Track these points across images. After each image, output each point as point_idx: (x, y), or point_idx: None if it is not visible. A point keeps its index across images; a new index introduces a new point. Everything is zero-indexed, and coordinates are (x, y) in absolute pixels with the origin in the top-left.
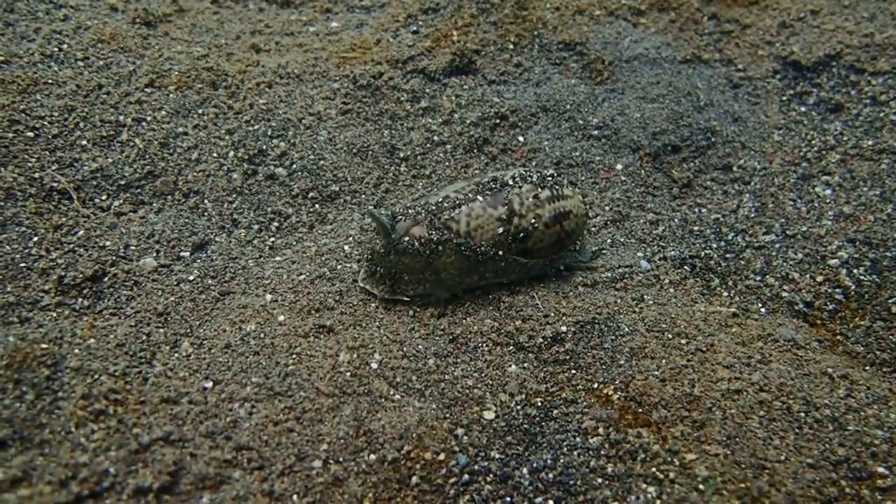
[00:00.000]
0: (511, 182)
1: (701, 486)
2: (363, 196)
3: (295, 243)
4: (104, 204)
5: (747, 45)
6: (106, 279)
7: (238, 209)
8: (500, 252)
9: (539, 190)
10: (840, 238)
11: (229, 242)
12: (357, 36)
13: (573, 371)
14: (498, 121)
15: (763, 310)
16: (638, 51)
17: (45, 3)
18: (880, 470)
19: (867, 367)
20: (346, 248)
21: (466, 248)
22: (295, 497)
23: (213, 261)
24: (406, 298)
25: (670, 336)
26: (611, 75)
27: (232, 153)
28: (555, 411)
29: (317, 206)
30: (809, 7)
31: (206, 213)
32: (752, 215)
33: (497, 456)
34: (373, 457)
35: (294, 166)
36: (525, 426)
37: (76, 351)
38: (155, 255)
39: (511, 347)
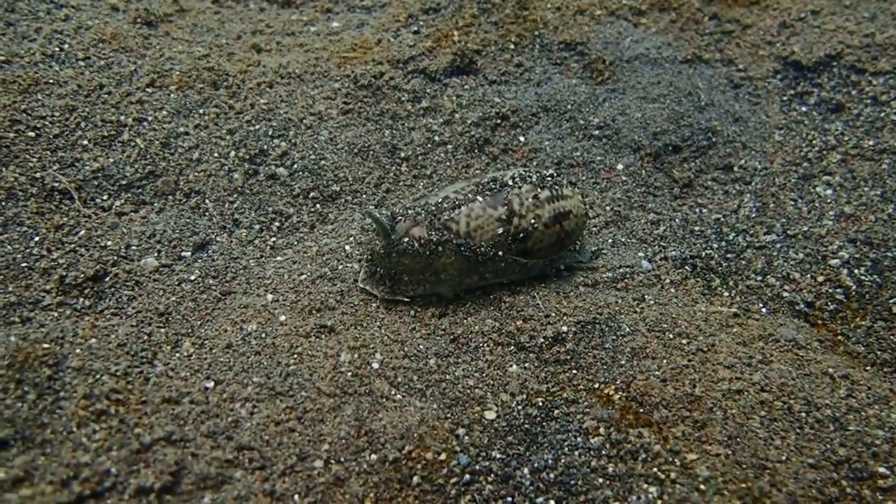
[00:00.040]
0: (511, 182)
1: (702, 487)
2: (364, 196)
3: (296, 243)
4: (105, 204)
5: (748, 45)
6: (107, 279)
7: (239, 209)
8: (500, 252)
9: (539, 190)
10: (841, 238)
11: (230, 242)
12: (358, 36)
13: (574, 371)
14: (499, 121)
15: (764, 310)
16: (639, 51)
17: (46, 2)
18: (881, 470)
19: (868, 368)
20: (347, 248)
21: (466, 249)
22: (296, 497)
23: (214, 261)
24: (406, 299)
25: (671, 336)
26: (612, 75)
27: (233, 153)
28: (556, 411)
29: (318, 205)
30: (810, 7)
31: (207, 213)
32: (753, 215)
33: (498, 456)
34: (374, 457)
35: (295, 166)
36: (526, 426)
37: (78, 351)
38: (156, 254)
39: (512, 347)
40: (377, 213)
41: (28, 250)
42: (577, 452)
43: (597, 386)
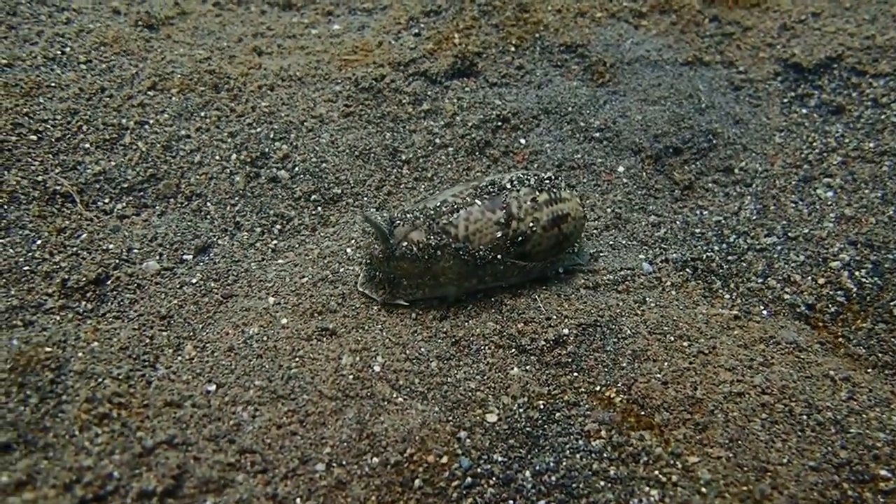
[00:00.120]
0: (509, 185)
1: (703, 489)
2: (365, 199)
3: (297, 246)
4: (107, 207)
5: (748, 48)
6: (109, 282)
7: (241, 212)
8: (499, 256)
9: (537, 193)
10: (842, 240)
11: (232, 245)
12: (359, 38)
13: (575, 374)
14: (500, 123)
15: (765, 312)
16: (639, 53)
17: (47, 6)
18: (883, 473)
19: (869, 370)
20: (348, 250)
21: (465, 253)
22: (298, 500)
23: (215, 264)
24: (405, 303)
25: (672, 338)
26: (612, 77)
27: (234, 156)
28: (557, 414)
29: (319, 208)
30: (810, 9)
31: (208, 216)
32: (754, 217)
33: (500, 459)
34: (376, 460)
35: (296, 169)
36: (527, 429)
37: (80, 354)
38: (158, 258)
39: (513, 350)
40: (375, 217)
41: (30, 254)
42: (578, 455)
43: (598, 388)
